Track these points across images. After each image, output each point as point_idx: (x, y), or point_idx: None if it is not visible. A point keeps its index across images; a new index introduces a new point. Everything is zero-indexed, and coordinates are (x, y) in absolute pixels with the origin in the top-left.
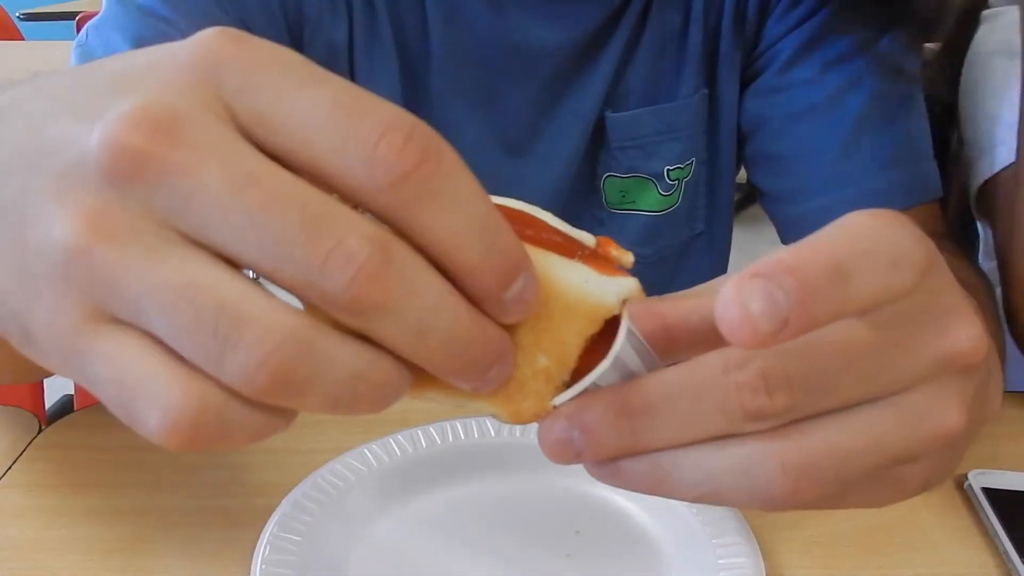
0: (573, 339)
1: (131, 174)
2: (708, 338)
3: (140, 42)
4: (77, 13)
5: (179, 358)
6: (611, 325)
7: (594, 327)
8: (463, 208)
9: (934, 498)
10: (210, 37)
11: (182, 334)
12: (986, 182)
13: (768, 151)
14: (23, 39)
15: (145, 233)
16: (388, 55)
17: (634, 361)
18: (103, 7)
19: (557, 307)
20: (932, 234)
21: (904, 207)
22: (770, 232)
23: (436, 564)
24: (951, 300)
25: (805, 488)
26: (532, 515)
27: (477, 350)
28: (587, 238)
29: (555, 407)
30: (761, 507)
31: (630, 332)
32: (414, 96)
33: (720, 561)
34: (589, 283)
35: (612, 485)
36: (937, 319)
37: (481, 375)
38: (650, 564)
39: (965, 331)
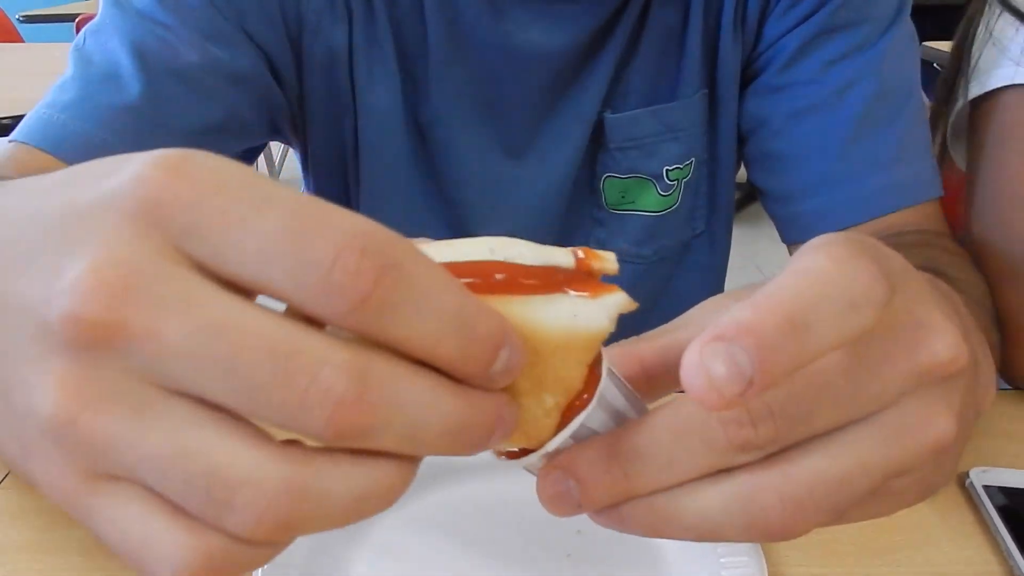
0: (574, 371)
1: (96, 344)
2: None
3: (138, 47)
4: (77, 15)
5: (180, 509)
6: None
7: (592, 353)
8: (433, 309)
9: (936, 496)
10: (148, 171)
11: (177, 497)
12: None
13: (768, 150)
14: (23, 41)
15: (126, 394)
16: (388, 58)
17: (618, 399)
18: (100, 11)
19: (547, 351)
20: (932, 233)
21: (904, 206)
22: (770, 231)
23: (436, 564)
24: (924, 312)
25: (803, 519)
26: (532, 515)
27: (474, 431)
28: (564, 259)
29: (547, 453)
30: (762, 539)
31: (610, 371)
32: (414, 99)
33: (722, 560)
34: (578, 317)
35: (619, 531)
36: (911, 334)
37: (482, 446)
38: (651, 563)
39: (941, 341)
